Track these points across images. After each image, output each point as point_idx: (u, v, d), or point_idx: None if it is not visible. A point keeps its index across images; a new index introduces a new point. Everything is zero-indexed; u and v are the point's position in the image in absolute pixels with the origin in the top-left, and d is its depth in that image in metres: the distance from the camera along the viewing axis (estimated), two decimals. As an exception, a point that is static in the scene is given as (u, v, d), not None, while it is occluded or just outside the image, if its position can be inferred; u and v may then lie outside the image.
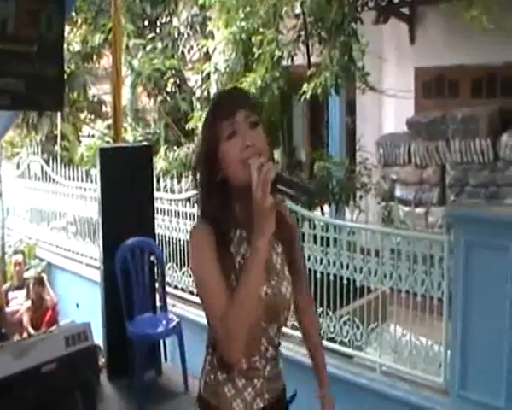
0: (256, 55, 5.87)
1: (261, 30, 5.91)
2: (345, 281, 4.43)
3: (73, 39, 10.11)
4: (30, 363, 2.99)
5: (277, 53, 5.76)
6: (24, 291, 6.54)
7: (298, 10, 6.22)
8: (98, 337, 4.16)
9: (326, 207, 6.18)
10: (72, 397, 3.14)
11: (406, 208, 6.39)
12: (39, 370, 3.00)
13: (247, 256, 1.56)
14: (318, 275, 4.56)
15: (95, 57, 10.42)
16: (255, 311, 1.53)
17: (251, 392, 1.69)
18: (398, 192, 7.29)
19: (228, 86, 5.86)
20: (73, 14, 9.04)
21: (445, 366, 3.86)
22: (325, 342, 4.54)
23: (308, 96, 5.42)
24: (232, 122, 1.54)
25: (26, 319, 5.94)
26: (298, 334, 5.25)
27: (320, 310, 4.56)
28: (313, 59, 6.17)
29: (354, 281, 4.43)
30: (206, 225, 1.59)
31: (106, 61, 10.85)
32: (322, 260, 4.57)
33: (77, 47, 10.26)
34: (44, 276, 6.77)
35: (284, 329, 1.74)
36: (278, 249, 1.68)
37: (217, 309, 1.52)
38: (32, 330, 5.73)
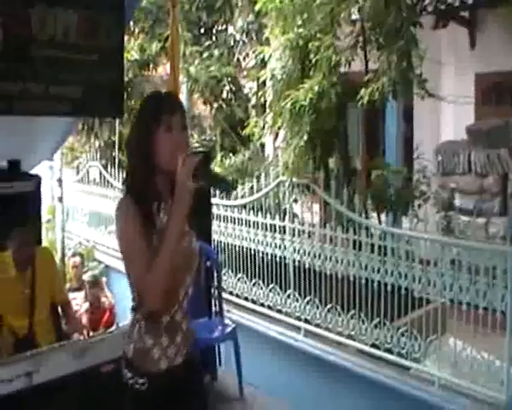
0: (313, 62, 5.83)
1: (318, 36, 5.86)
2: (403, 291, 4.34)
3: (131, 48, 10.33)
4: (90, 362, 3.04)
5: (335, 59, 5.70)
6: (82, 293, 6.70)
7: (355, 16, 6.15)
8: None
9: (382, 216, 6.07)
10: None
11: (466, 218, 6.20)
12: (99, 369, 3.04)
13: (164, 221, 1.93)
14: (376, 284, 4.48)
15: (152, 65, 10.61)
16: (173, 262, 1.87)
17: (173, 349, 2.01)
18: (457, 201, 7.09)
19: (284, 93, 5.85)
20: (131, 23, 9.25)
21: (508, 383, 3.72)
22: (381, 353, 4.47)
23: (365, 102, 5.34)
24: (171, 119, 1.92)
25: (84, 320, 6.09)
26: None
27: (377, 320, 4.49)
28: (370, 65, 6.08)
29: (412, 291, 4.34)
30: (130, 198, 1.92)
31: (162, 69, 11.04)
32: (379, 270, 4.50)
33: (134, 55, 10.48)
34: (103, 278, 6.92)
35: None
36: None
37: (141, 265, 1.85)
38: (90, 331, 5.86)
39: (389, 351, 4.43)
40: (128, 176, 1.99)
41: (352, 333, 4.69)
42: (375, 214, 5.76)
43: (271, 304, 5.39)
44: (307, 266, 5.05)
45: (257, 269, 5.52)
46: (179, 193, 1.84)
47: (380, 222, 5.78)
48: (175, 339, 2.02)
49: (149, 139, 1.91)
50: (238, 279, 5.72)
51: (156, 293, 1.86)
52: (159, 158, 1.91)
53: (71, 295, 6.59)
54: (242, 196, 5.77)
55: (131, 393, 1.99)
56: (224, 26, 10.01)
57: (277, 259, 5.32)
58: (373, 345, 4.55)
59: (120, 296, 6.97)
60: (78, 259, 7.17)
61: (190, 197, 1.85)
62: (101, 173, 8.11)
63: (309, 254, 5.07)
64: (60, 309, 3.90)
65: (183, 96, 8.86)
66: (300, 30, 6.03)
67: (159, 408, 2.03)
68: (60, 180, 8.19)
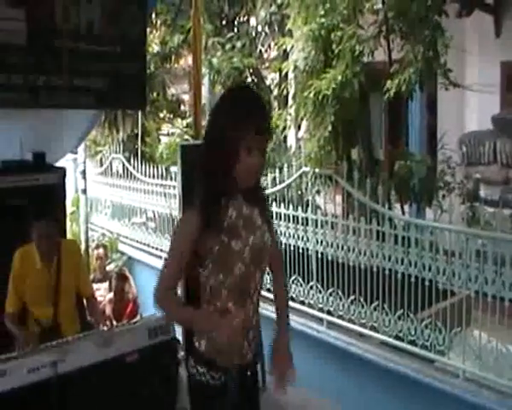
0: (336, 52, 5.79)
1: (341, 26, 5.82)
2: (427, 283, 4.30)
3: (153, 41, 10.36)
4: (115, 352, 3.07)
5: (358, 48, 5.66)
6: (106, 284, 6.78)
7: (377, 5, 6.08)
8: (177, 332, 4.23)
9: (406, 207, 6.02)
10: (154, 388, 3.20)
11: (491, 209, 6.11)
12: (124, 359, 3.08)
13: (233, 219, 1.94)
14: (399, 276, 4.45)
15: (173, 58, 10.63)
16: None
17: (245, 345, 1.99)
18: (482, 192, 6.99)
19: (307, 83, 5.81)
20: (153, 16, 9.26)
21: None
22: (405, 345, 4.44)
23: (392, 94, 5.29)
24: (254, 140, 1.85)
25: (108, 311, 6.17)
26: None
27: (400, 312, 4.45)
28: (393, 55, 6.01)
29: (436, 283, 4.29)
30: (195, 207, 1.91)
31: (184, 62, 11.06)
32: (403, 261, 4.45)
33: (156, 48, 10.52)
34: (126, 269, 6.99)
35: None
36: (256, 211, 2.02)
37: (166, 280, 1.95)
38: (114, 322, 5.93)
39: (413, 343, 4.39)
40: (202, 177, 1.95)
41: (376, 325, 4.66)
42: (398, 205, 5.71)
43: (294, 295, 5.37)
44: (330, 257, 5.03)
45: (279, 260, 5.51)
46: (215, 329, 1.85)
47: (403, 213, 5.73)
48: (247, 335, 2.00)
49: (230, 152, 1.86)
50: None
51: (162, 309, 1.96)
52: (235, 169, 1.88)
53: (94, 286, 6.66)
54: (265, 188, 5.76)
55: (206, 389, 1.98)
56: (246, 18, 9.97)
57: (300, 250, 5.30)
58: (396, 337, 4.51)
59: (143, 287, 7.03)
60: (101, 250, 7.26)
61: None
62: (124, 166, 8.17)
63: (332, 245, 5.04)
64: (84, 301, 3.95)
65: (205, 88, 8.87)
66: (323, 20, 5.99)
67: (233, 404, 2.01)
68: (83, 172, 8.27)
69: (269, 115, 2.07)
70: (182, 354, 4.52)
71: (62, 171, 4.56)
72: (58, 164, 4.91)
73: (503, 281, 3.90)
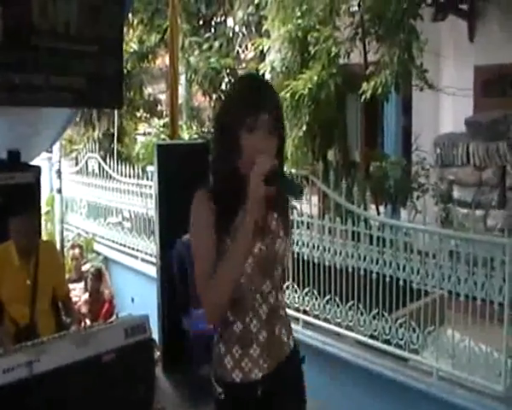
0: (312, 53, 5.84)
1: (317, 27, 5.88)
2: (401, 283, 4.36)
3: (130, 40, 10.31)
4: (91, 352, 3.05)
5: (334, 50, 5.72)
6: (81, 284, 6.72)
7: (354, 8, 6.16)
8: (153, 332, 4.22)
9: (381, 208, 6.10)
10: (131, 388, 3.19)
11: (464, 210, 6.22)
12: (100, 359, 3.06)
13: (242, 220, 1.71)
14: (374, 276, 4.50)
15: (150, 57, 10.59)
16: (240, 272, 1.70)
17: (247, 362, 1.80)
18: (455, 194, 7.10)
19: (284, 84, 5.85)
20: (130, 15, 9.21)
21: (505, 374, 3.74)
22: (380, 344, 4.49)
23: (368, 96, 5.35)
24: (256, 118, 1.66)
25: (83, 311, 6.12)
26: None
27: (375, 311, 4.50)
28: (369, 57, 6.09)
29: (411, 283, 4.35)
30: (205, 193, 1.74)
31: (161, 61, 11.03)
32: (378, 261, 4.51)
33: (133, 47, 10.47)
34: (102, 267, 6.94)
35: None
36: (274, 215, 1.83)
37: (204, 270, 1.69)
38: (89, 322, 5.88)
39: (387, 342, 4.44)
40: (211, 167, 1.80)
41: (351, 324, 4.71)
42: (373, 206, 5.77)
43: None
44: (306, 257, 5.06)
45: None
46: (251, 197, 1.62)
47: (378, 213, 5.80)
48: (249, 353, 1.81)
49: (230, 138, 1.69)
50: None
51: (215, 302, 1.69)
52: (239, 159, 1.70)
53: (70, 286, 6.61)
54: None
55: (215, 400, 1.87)
56: (224, 18, 9.99)
57: (276, 250, 5.31)
58: (371, 336, 4.56)
59: (119, 287, 7.00)
60: (77, 251, 7.19)
61: (262, 202, 1.64)
62: (100, 165, 8.10)
63: (307, 245, 5.07)
64: (60, 302, 3.92)
65: (182, 88, 8.85)
66: (299, 21, 6.05)
67: None
68: (59, 172, 8.19)
69: (276, 98, 1.80)
70: (158, 353, 4.54)
71: (37, 170, 4.51)
72: (33, 163, 4.86)
73: (475, 281, 3.97)
